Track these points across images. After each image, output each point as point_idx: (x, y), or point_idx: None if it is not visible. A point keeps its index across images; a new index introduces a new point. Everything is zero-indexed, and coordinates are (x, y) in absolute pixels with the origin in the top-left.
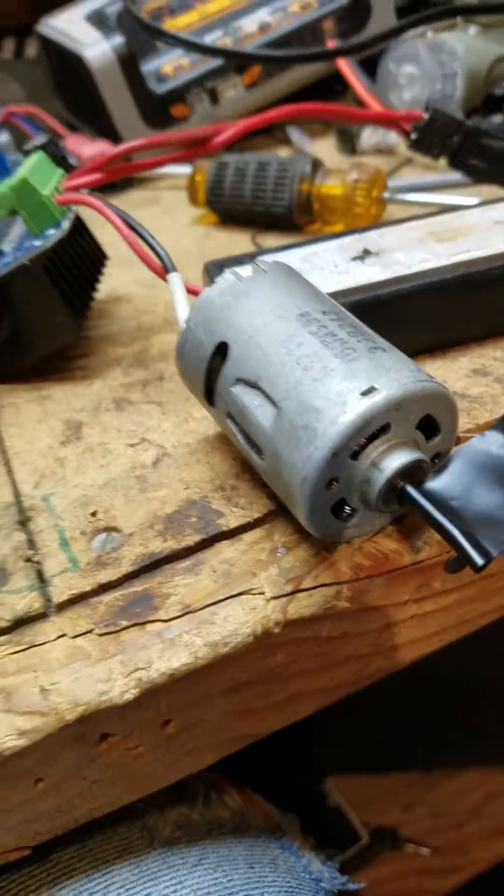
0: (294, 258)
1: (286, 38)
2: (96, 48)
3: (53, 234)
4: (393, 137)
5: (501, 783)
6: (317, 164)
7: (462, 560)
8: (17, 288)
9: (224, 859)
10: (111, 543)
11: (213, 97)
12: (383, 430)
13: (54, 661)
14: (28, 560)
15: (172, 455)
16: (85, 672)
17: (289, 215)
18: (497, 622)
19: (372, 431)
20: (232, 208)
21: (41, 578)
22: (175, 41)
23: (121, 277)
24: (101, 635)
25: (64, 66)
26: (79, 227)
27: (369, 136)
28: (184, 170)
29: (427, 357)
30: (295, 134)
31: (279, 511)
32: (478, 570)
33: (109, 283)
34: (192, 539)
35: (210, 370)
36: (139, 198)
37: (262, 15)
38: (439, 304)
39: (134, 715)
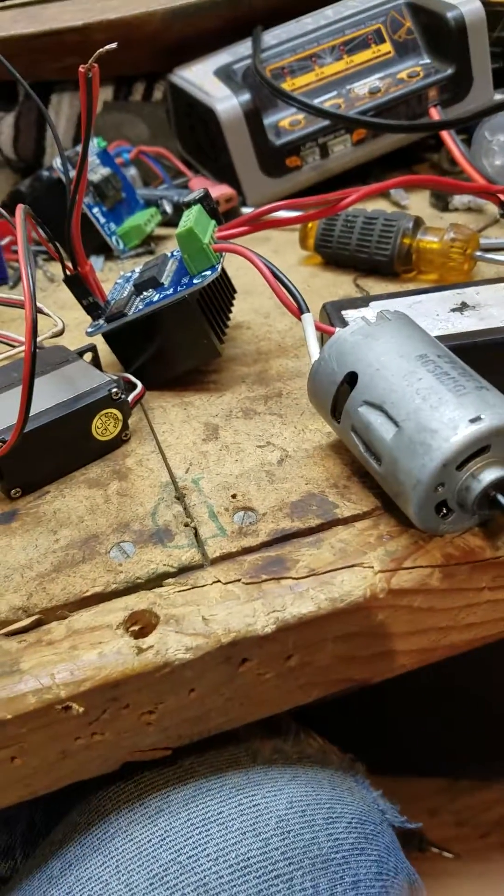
0: (402, 304)
1: (393, 103)
2: (226, 103)
3: (208, 275)
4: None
5: None
6: (419, 222)
7: None
8: (175, 316)
9: (312, 779)
10: (249, 519)
11: (324, 151)
12: (483, 450)
13: (212, 599)
14: (186, 525)
15: (293, 457)
16: (235, 609)
17: (390, 264)
18: None
19: (475, 450)
20: (338, 254)
21: (198, 540)
22: (297, 104)
23: (242, 307)
24: (246, 584)
25: (191, 113)
26: (222, 267)
27: (462, 196)
28: (294, 214)
29: None
30: (394, 190)
31: (384, 507)
32: None
33: (234, 312)
34: (314, 521)
35: (339, 393)
36: (254, 237)
37: (373, 80)
38: None
39: (268, 646)
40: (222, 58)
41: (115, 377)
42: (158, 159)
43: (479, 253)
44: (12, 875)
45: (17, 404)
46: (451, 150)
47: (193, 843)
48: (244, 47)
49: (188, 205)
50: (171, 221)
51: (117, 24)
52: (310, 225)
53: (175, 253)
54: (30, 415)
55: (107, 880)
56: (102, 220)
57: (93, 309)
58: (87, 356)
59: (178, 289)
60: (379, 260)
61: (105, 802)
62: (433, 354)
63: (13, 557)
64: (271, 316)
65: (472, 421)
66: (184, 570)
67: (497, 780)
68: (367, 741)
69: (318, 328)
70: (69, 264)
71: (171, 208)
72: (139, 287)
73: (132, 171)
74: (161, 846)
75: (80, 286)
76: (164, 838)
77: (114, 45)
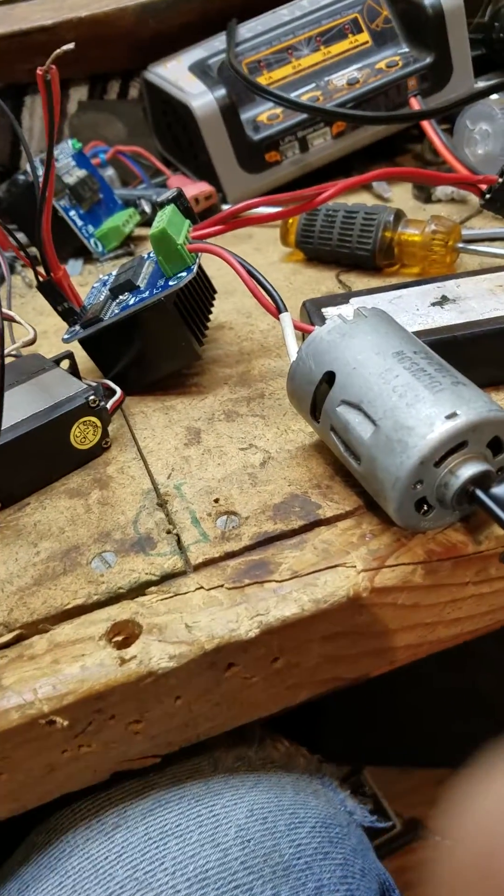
0: (382, 300)
1: (372, 93)
2: (202, 99)
3: (184, 277)
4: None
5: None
6: (399, 215)
7: None
8: (152, 319)
9: (275, 785)
10: (232, 523)
11: (304, 145)
12: (461, 446)
13: (194, 605)
14: (168, 532)
15: (276, 458)
16: (218, 615)
17: (371, 258)
18: None
19: (452, 446)
20: (319, 249)
21: (180, 546)
22: (274, 98)
23: (223, 307)
24: (229, 589)
25: (167, 111)
26: (200, 268)
27: (444, 188)
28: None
29: (492, 389)
30: (375, 182)
31: (367, 506)
32: None
33: (214, 312)
34: (296, 523)
35: (317, 393)
36: (233, 235)
37: (352, 71)
38: None
39: (253, 650)
40: (197, 53)
41: (94, 384)
42: (136, 159)
43: (461, 244)
44: None
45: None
46: (432, 140)
47: (150, 857)
48: (219, 41)
49: (161, 205)
50: (150, 221)
51: (88, 21)
52: (290, 221)
53: (151, 255)
54: (5, 426)
55: None
56: (80, 222)
57: (68, 315)
58: (65, 364)
59: (155, 291)
60: (361, 255)
61: (63, 820)
62: (409, 351)
63: None
64: (253, 315)
65: (449, 417)
66: (166, 577)
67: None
68: (366, 733)
69: (297, 327)
70: (41, 270)
71: (150, 208)
72: (115, 291)
73: (109, 172)
74: (118, 863)
75: (54, 292)
76: (121, 854)
77: (71, 46)
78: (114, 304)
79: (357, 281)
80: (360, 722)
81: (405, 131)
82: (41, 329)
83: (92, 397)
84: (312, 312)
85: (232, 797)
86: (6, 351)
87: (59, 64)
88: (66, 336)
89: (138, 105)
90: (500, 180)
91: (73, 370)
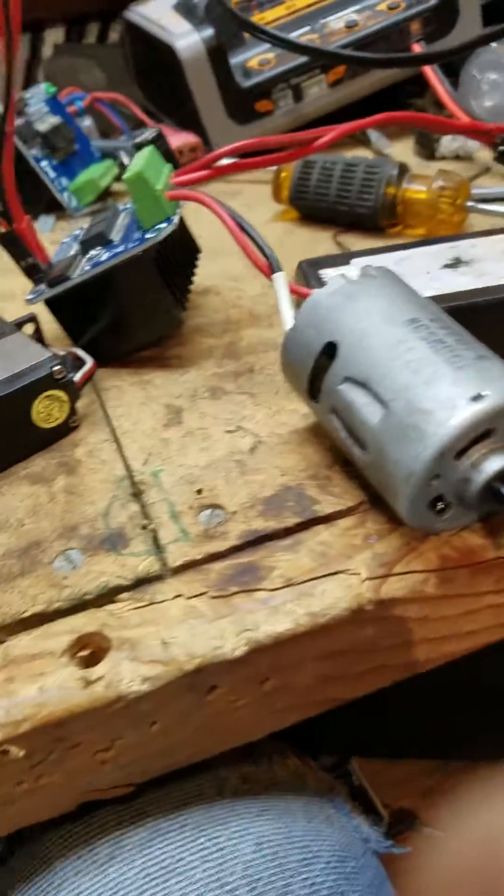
0: (388, 261)
1: (372, 37)
2: (187, 39)
3: (164, 228)
4: (472, 145)
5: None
6: (403, 169)
7: None
8: (128, 277)
9: (284, 812)
10: (216, 519)
11: (297, 94)
12: (486, 434)
13: (172, 617)
14: (144, 527)
15: (267, 443)
16: (200, 629)
17: (373, 216)
18: None
19: (476, 435)
20: (315, 206)
21: (157, 545)
22: (268, 37)
23: (209, 270)
24: (213, 598)
25: (150, 54)
26: (182, 220)
27: (450, 142)
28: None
29: None
30: (374, 135)
31: (371, 501)
32: None
33: (198, 275)
34: (290, 521)
35: (316, 367)
36: (220, 190)
37: (350, 13)
38: None
39: (240, 670)
40: None
41: (61, 353)
42: (116, 107)
43: (470, 203)
44: None
45: None
46: (435, 89)
47: None
48: None
49: (139, 147)
50: None
51: None
52: (283, 174)
53: (127, 205)
54: None
55: None
56: (52, 174)
57: (33, 272)
58: (28, 328)
59: (130, 246)
60: (361, 213)
61: (50, 848)
62: (426, 318)
63: None
64: (242, 279)
65: (473, 399)
66: (140, 582)
67: (485, 759)
68: (354, 723)
69: (292, 291)
70: (2, 220)
71: (130, 160)
72: (85, 245)
73: (87, 122)
74: None
75: (17, 246)
76: (116, 892)
77: None
78: (84, 259)
79: (357, 242)
80: (347, 712)
81: (406, 83)
82: (6, 290)
83: (57, 367)
84: (309, 274)
85: (237, 828)
86: None
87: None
88: (29, 296)
89: (118, 50)
90: None
91: (38, 336)
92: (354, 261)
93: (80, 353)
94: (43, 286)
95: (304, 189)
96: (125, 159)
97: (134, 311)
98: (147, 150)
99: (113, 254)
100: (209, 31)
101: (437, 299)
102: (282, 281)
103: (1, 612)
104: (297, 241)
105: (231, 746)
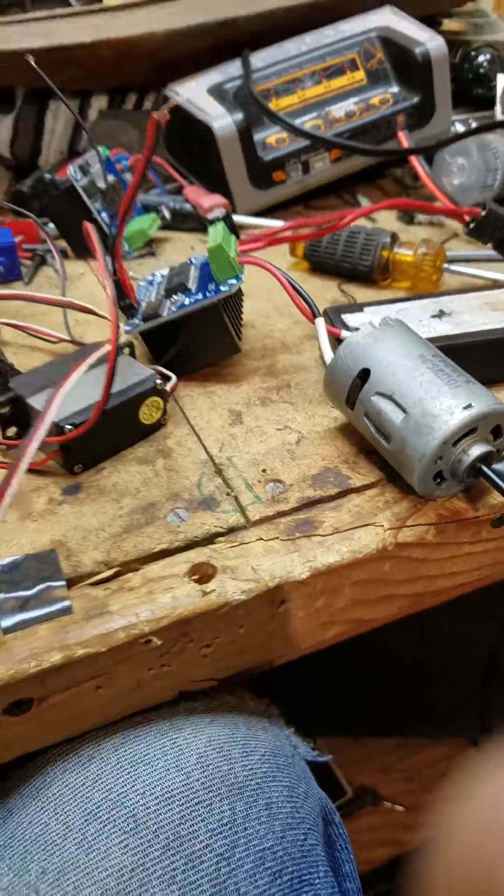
0: (391, 311)
1: (366, 126)
2: (222, 121)
3: (234, 283)
4: None
5: (466, 757)
6: (395, 237)
7: None
8: (204, 317)
9: (230, 722)
10: (279, 489)
11: (306, 167)
12: (473, 430)
13: (257, 553)
14: (228, 494)
15: (308, 438)
16: (277, 560)
17: (370, 272)
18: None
19: (466, 431)
20: (324, 262)
21: (239, 506)
22: (287, 127)
23: (244, 309)
24: (283, 541)
25: (184, 127)
26: None
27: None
28: (276, 223)
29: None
30: (364, 201)
31: (387, 479)
32: None
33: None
34: (332, 490)
35: (354, 385)
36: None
37: (349, 104)
38: (494, 353)
39: (303, 589)
40: (213, 77)
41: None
42: (153, 166)
43: (445, 265)
44: None
45: (78, 393)
46: (418, 173)
47: (122, 782)
48: (233, 67)
49: (212, 222)
50: (168, 225)
51: (122, 42)
52: None
53: (193, 260)
54: (90, 403)
55: (46, 822)
56: (109, 223)
57: (128, 309)
58: (126, 351)
59: (206, 293)
60: (361, 269)
61: (41, 760)
62: (429, 355)
63: (87, 522)
64: (271, 316)
65: (465, 408)
66: (231, 530)
67: (444, 738)
68: (319, 702)
69: (328, 331)
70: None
71: (170, 214)
72: (169, 291)
73: (128, 178)
74: (94, 787)
75: (119, 290)
76: (97, 780)
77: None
78: (169, 302)
79: (356, 291)
80: (312, 691)
81: (390, 161)
82: (83, 318)
83: (159, 381)
84: (334, 318)
85: (192, 730)
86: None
87: (86, 76)
88: (127, 327)
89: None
90: (483, 213)
91: (132, 357)
92: (367, 309)
93: (163, 370)
94: (136, 320)
95: (316, 248)
96: (166, 213)
97: (204, 341)
98: (220, 226)
99: (193, 300)
100: (240, 115)
101: (431, 341)
102: (322, 324)
103: (137, 549)
104: (310, 288)
105: (286, 655)
